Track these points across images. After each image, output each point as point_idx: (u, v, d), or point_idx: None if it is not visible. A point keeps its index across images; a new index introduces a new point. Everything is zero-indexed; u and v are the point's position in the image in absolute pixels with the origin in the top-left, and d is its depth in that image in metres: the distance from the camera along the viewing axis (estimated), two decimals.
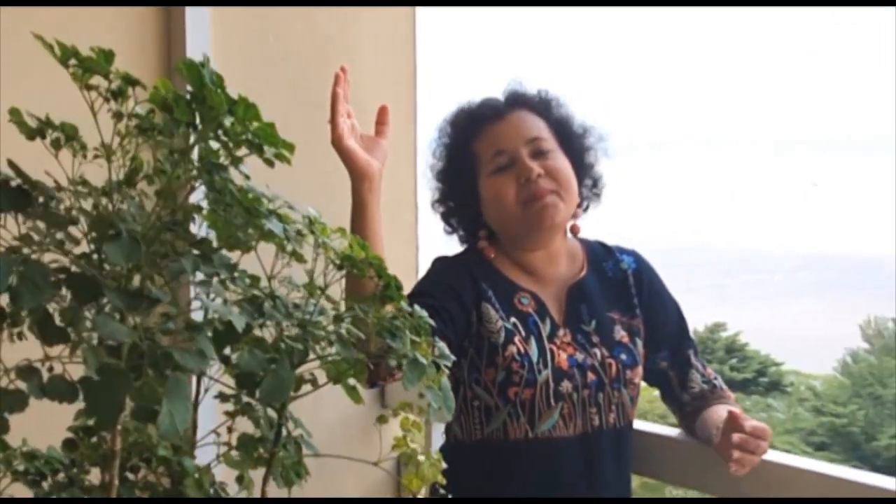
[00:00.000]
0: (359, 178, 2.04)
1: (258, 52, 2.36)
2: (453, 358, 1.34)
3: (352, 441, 2.58)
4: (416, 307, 1.32)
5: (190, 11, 2.19)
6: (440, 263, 2.24)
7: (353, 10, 2.54)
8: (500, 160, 2.16)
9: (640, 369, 2.20)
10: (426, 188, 2.33)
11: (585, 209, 2.30)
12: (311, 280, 1.37)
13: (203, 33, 2.19)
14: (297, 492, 1.45)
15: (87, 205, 1.21)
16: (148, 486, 1.35)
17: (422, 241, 2.82)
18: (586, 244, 2.30)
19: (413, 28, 2.65)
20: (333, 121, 2.05)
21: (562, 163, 2.17)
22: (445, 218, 2.30)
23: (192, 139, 1.17)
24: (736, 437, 1.97)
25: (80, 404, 1.04)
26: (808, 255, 60.89)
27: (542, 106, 2.23)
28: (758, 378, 29.33)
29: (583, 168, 2.24)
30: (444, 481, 1.44)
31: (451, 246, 2.36)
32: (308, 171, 2.38)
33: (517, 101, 2.23)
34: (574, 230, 2.29)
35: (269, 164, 1.22)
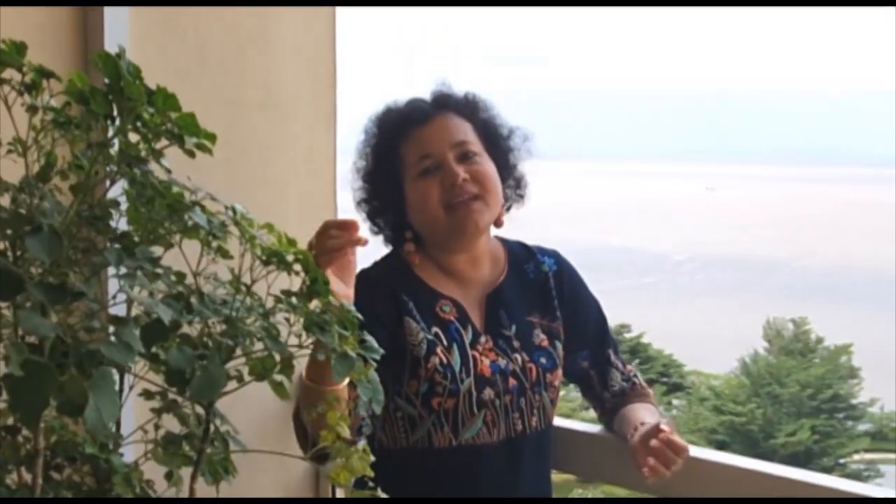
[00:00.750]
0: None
1: (177, 54, 2.33)
2: (381, 351, 1.35)
3: (268, 437, 2.56)
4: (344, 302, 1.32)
5: (108, 11, 2.15)
6: (359, 286, 2.21)
7: (274, 9, 2.53)
8: (425, 163, 2.16)
9: (559, 372, 2.23)
10: (351, 188, 2.32)
11: (508, 209, 2.31)
12: (235, 276, 1.36)
13: (121, 34, 2.15)
14: (224, 488, 1.44)
15: (4, 201, 1.19)
16: (72, 486, 1.33)
17: None
18: (508, 245, 2.31)
19: (333, 27, 2.65)
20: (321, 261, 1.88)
21: (487, 167, 2.18)
22: (371, 218, 2.29)
23: (110, 132, 1.16)
24: (655, 442, 2.00)
25: None
26: (707, 257, 62.08)
27: (468, 108, 2.24)
28: (661, 378, 29.81)
29: (507, 169, 2.26)
30: (372, 474, 1.44)
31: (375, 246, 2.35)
32: (226, 168, 2.36)
33: (444, 103, 2.23)
34: (498, 222, 2.30)
35: (191, 154, 1.21)
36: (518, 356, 2.18)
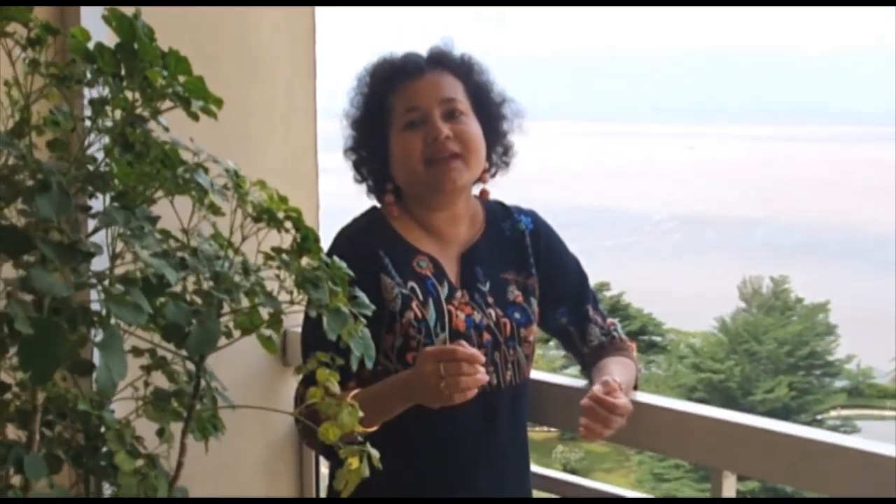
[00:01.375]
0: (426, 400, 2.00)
1: (155, 12, 2.31)
2: (373, 307, 1.36)
3: (252, 394, 2.58)
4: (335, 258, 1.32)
5: (85, 11, 2.14)
6: (337, 243, 2.21)
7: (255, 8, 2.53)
8: (411, 116, 2.16)
9: (534, 327, 2.24)
10: (342, 135, 2.31)
11: (493, 175, 2.31)
12: (218, 233, 1.37)
13: (99, 36, 2.14)
14: (211, 444, 1.45)
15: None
16: (63, 442, 1.34)
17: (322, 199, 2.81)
18: (486, 204, 2.32)
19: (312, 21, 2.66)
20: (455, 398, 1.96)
21: (472, 127, 2.18)
22: (356, 167, 2.29)
23: (115, 90, 1.16)
24: (585, 401, 2.04)
25: None
26: (686, 217, 62.38)
27: (462, 69, 2.24)
28: (640, 337, 30.05)
29: (494, 135, 2.25)
30: (361, 430, 1.45)
31: (351, 202, 2.35)
32: (204, 126, 2.36)
33: (439, 60, 2.23)
34: (483, 195, 2.31)
35: (195, 117, 1.21)
36: (492, 311, 2.19)
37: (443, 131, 2.13)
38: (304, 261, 1.38)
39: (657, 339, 31.90)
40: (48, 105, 1.30)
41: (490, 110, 2.25)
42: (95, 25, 2.12)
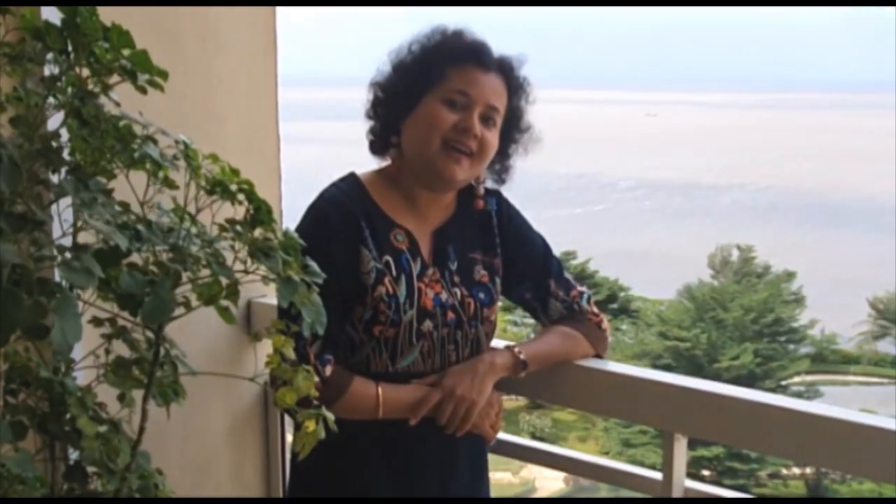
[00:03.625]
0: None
1: (113, 20, 2.32)
2: (323, 276, 1.39)
3: (218, 364, 2.62)
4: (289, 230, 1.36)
5: (45, 11, 2.15)
6: (320, 217, 2.22)
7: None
8: (458, 97, 2.18)
9: (496, 307, 2.30)
10: (378, 67, 2.31)
11: (482, 183, 2.35)
12: (178, 205, 1.40)
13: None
14: (176, 411, 1.49)
15: None
16: (27, 410, 1.38)
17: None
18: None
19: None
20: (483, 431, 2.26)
21: (494, 140, 2.22)
22: (374, 105, 2.31)
23: (57, 69, 1.18)
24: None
25: None
26: (654, 184, 62.62)
27: (516, 89, 2.27)
28: (607, 304, 30.19)
29: (502, 154, 2.29)
30: (317, 394, 1.49)
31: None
32: (167, 101, 2.37)
33: (505, 70, 2.26)
34: (478, 202, 2.34)
35: (142, 90, 1.24)
36: (458, 290, 2.24)
37: (476, 128, 2.17)
38: (258, 232, 1.42)
39: (624, 305, 32.10)
40: (12, 83, 1.32)
41: (511, 133, 2.29)
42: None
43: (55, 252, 1.17)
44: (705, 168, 67.80)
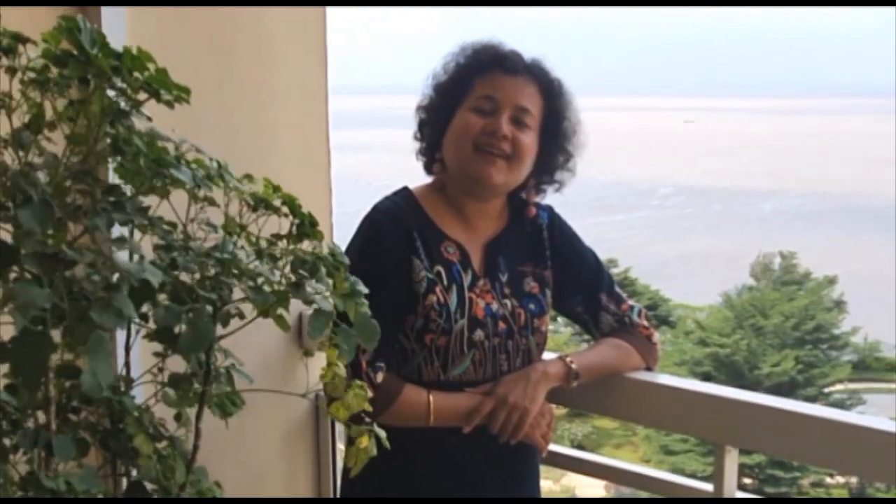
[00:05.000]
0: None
1: (170, 40, 2.35)
2: (366, 291, 1.41)
3: (270, 374, 2.63)
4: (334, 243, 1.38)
5: (105, 11, 2.18)
6: (374, 228, 2.24)
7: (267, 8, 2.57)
8: (483, 103, 2.21)
9: (546, 318, 2.32)
10: (422, 91, 2.35)
11: (538, 193, 2.36)
12: (229, 218, 1.41)
13: (119, 33, 2.18)
14: (233, 423, 1.50)
15: None
16: (89, 427, 1.39)
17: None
18: (511, 199, 2.37)
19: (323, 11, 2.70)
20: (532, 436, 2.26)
21: (530, 140, 2.23)
22: (420, 126, 2.34)
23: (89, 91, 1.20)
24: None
25: None
26: (693, 190, 62.23)
27: (550, 89, 2.28)
28: (647, 313, 29.90)
29: (548, 160, 2.29)
30: (370, 409, 1.50)
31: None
32: (221, 115, 2.43)
33: (534, 72, 2.28)
34: (529, 212, 2.37)
35: (169, 105, 1.26)
36: (508, 301, 2.26)
37: (503, 129, 2.19)
38: (306, 244, 1.43)
39: (664, 314, 31.88)
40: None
41: (554, 137, 2.30)
42: (116, 28, 2.19)
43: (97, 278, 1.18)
44: (745, 174, 67.30)
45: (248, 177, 1.41)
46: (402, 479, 2.23)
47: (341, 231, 2.65)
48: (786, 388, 26.67)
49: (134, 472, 1.40)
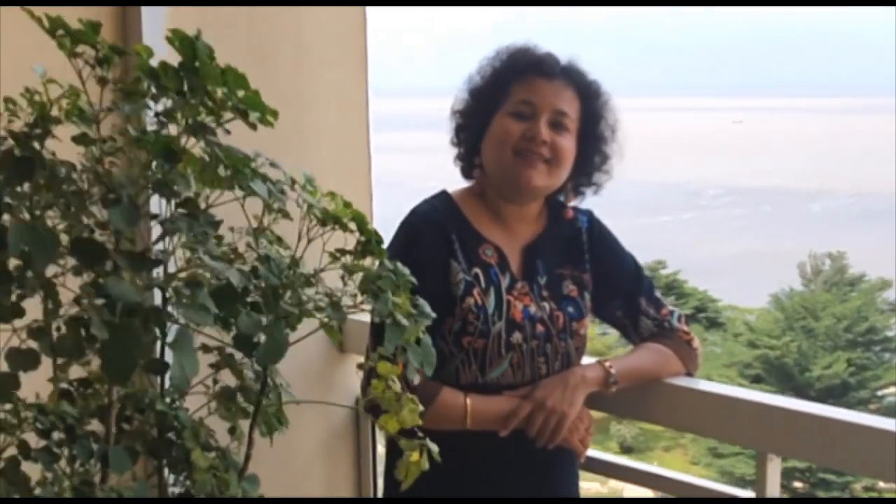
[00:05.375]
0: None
1: (209, 14, 2.38)
2: (433, 315, 1.43)
3: (311, 379, 2.66)
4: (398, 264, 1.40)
5: (146, 11, 2.22)
6: (410, 224, 2.28)
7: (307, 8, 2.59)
8: (521, 108, 2.24)
9: (585, 321, 2.33)
10: (457, 95, 2.38)
11: (577, 195, 2.38)
12: (282, 241, 1.44)
13: (159, 33, 2.22)
14: (277, 438, 1.53)
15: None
16: (139, 435, 1.43)
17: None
18: (548, 202, 2.39)
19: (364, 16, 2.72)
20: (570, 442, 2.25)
21: (569, 144, 2.25)
22: (457, 131, 2.37)
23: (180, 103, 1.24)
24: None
25: None
26: (740, 191, 61.57)
27: (587, 92, 2.31)
28: (697, 315, 29.73)
29: (586, 162, 2.31)
30: (420, 423, 1.50)
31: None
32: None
33: (571, 74, 2.30)
34: (567, 214, 2.40)
35: (253, 127, 1.29)
36: (546, 304, 2.28)
37: (542, 133, 2.21)
38: (368, 261, 1.45)
39: (713, 316, 31.60)
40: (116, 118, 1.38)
41: (592, 139, 2.32)
42: (155, 28, 2.22)
43: (170, 290, 1.22)
44: (794, 175, 66.47)
45: (332, 194, 1.44)
46: (442, 482, 2.24)
47: (387, 235, 2.68)
48: (838, 391, 26.36)
49: (178, 481, 1.43)
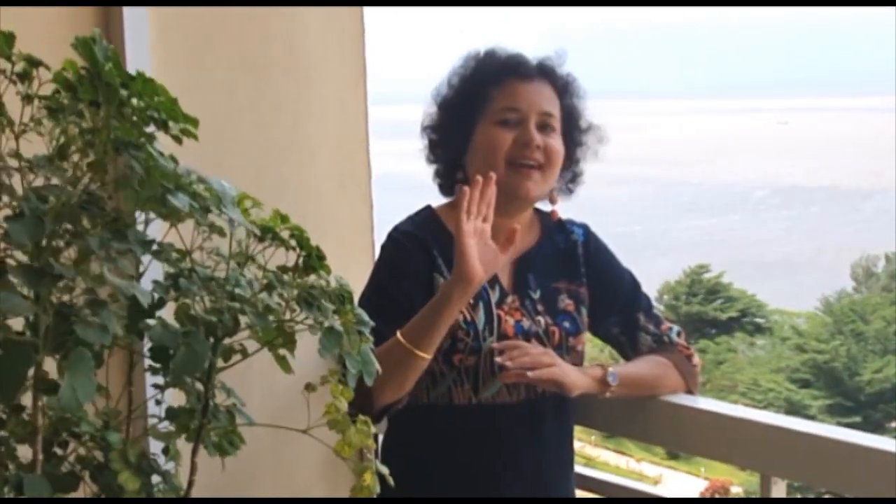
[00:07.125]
0: (458, 278, 1.99)
1: (199, 22, 2.32)
2: (372, 324, 1.36)
3: (284, 410, 2.58)
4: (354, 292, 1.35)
5: (128, 11, 2.16)
6: (393, 242, 2.22)
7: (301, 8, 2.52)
8: (508, 115, 2.17)
9: (583, 337, 2.25)
10: (425, 110, 2.31)
11: (567, 193, 2.32)
12: (241, 251, 1.37)
13: (142, 34, 2.16)
14: (230, 460, 1.46)
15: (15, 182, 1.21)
16: (80, 460, 1.36)
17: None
18: (542, 216, 2.32)
19: (361, 22, 2.64)
20: (461, 217, 1.99)
21: (559, 145, 2.20)
22: (431, 147, 2.30)
23: (93, 118, 1.17)
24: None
25: None
26: (786, 191, 61.11)
27: (563, 88, 2.26)
28: (742, 318, 29.56)
29: (570, 159, 2.26)
30: (374, 446, 1.45)
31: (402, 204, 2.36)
32: (257, 134, 2.42)
33: (546, 72, 2.24)
34: (553, 215, 2.32)
35: (177, 140, 1.21)
36: (542, 319, 2.19)
37: (535, 139, 2.15)
38: (312, 278, 1.38)
39: (760, 320, 31.35)
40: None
41: (573, 135, 2.27)
42: (138, 27, 2.17)
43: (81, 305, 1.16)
44: (844, 174, 65.89)
45: (256, 203, 1.37)
46: (440, 457, 2.19)
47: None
48: (888, 395, 26.06)
49: None
